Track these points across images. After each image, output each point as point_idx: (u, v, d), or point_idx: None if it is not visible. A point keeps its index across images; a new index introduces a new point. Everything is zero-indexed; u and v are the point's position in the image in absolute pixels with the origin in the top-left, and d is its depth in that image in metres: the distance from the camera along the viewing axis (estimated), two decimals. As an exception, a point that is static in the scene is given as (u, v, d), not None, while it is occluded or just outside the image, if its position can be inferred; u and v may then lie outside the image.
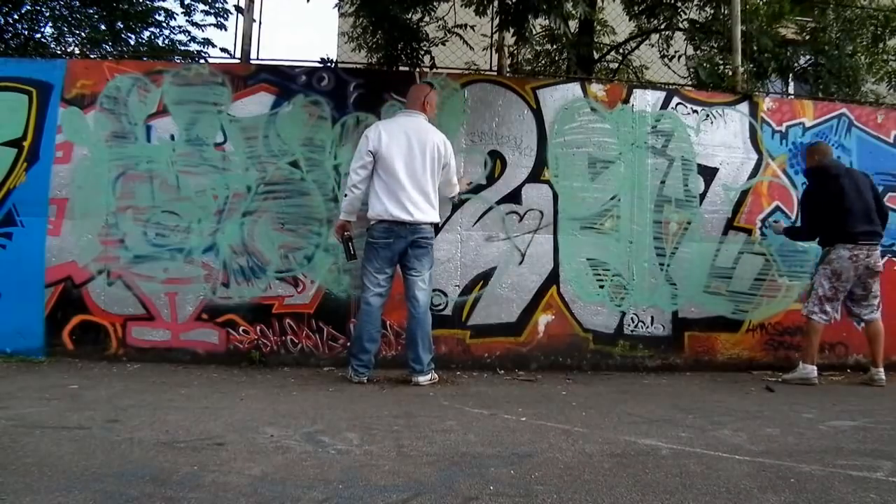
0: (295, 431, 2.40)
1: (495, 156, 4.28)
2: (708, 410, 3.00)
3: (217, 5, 8.56)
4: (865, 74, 5.76)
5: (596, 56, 6.16)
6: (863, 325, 4.08)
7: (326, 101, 4.18)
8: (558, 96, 4.37)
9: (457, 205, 4.20)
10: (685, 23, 5.69)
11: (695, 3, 5.61)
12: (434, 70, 4.63)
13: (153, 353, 4.00)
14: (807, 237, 4.20)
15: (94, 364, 3.85)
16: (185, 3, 8.42)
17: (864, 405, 3.24)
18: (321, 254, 4.12)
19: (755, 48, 5.13)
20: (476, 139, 4.28)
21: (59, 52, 7.38)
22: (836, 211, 3.93)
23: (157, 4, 8.49)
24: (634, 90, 4.49)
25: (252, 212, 4.12)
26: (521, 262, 4.26)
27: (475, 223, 4.24)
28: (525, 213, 4.28)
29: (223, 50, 8.88)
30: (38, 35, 7.86)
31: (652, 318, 4.33)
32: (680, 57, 5.65)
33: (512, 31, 4.22)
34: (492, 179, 4.26)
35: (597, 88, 4.45)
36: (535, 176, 4.30)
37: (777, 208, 4.49)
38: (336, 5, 5.33)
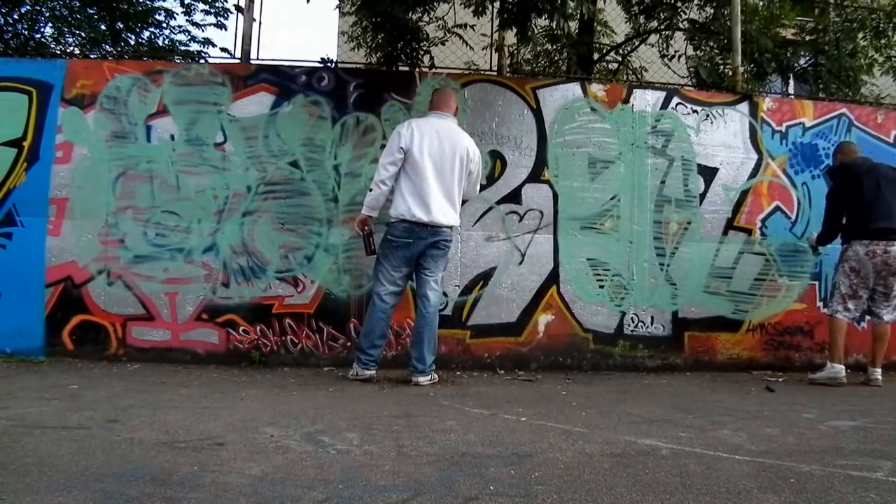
0: (295, 431, 2.40)
1: (495, 156, 4.29)
2: (708, 410, 3.00)
3: (217, 5, 8.56)
4: (867, 72, 5.75)
5: (596, 56, 6.15)
6: (864, 324, 4.06)
7: (326, 101, 4.19)
8: (558, 96, 4.37)
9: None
10: (685, 23, 5.69)
11: (695, 3, 5.61)
12: (434, 70, 4.63)
13: (153, 353, 4.01)
14: (828, 238, 4.17)
15: (94, 364, 3.85)
16: (185, 2, 8.42)
17: (864, 405, 3.24)
18: (321, 254, 4.12)
19: (755, 48, 5.12)
20: (476, 139, 4.23)
21: (59, 52, 7.38)
22: (853, 207, 3.93)
23: (157, 4, 8.50)
24: (634, 90, 4.49)
25: (252, 212, 4.12)
26: (521, 262, 4.26)
27: (475, 223, 4.24)
28: (525, 213, 4.28)
29: (223, 50, 8.88)
30: (38, 35, 7.86)
31: (652, 318, 4.33)
32: (680, 57, 5.65)
33: (514, 30, 4.22)
34: (492, 179, 4.26)
35: (597, 88, 4.45)
36: (535, 176, 4.30)
37: (777, 208, 4.50)
38: (336, 6, 5.32)
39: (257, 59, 4.35)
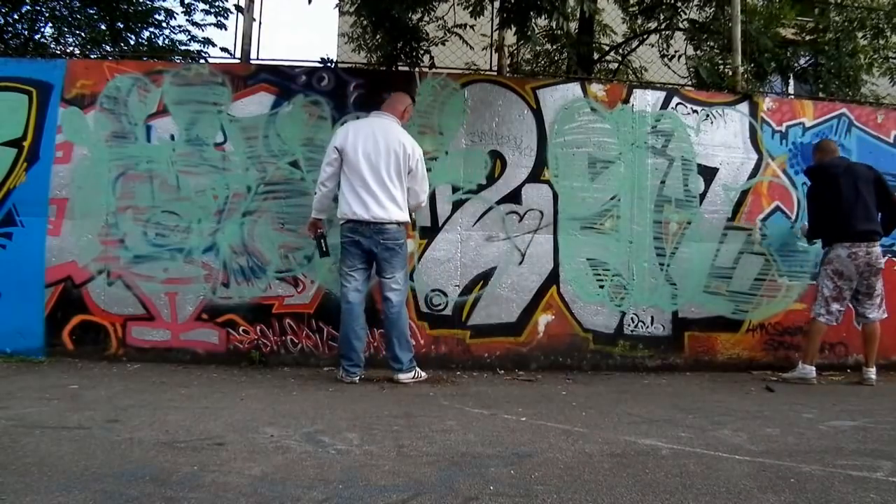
0: (295, 431, 2.40)
1: (495, 156, 4.28)
2: (708, 410, 3.00)
3: (217, 5, 8.57)
4: (867, 72, 5.75)
5: (596, 56, 6.15)
6: (862, 323, 4.08)
7: (326, 101, 4.19)
8: (558, 96, 4.37)
9: (457, 204, 4.20)
10: (685, 23, 5.69)
11: (695, 3, 5.61)
12: (434, 70, 4.63)
13: (153, 353, 4.00)
14: (815, 234, 4.21)
15: (94, 364, 3.85)
16: (186, 2, 8.42)
17: (864, 405, 3.24)
18: (321, 254, 4.11)
19: (755, 48, 5.12)
20: (476, 139, 4.28)
21: (59, 52, 7.38)
22: (833, 210, 3.94)
23: (157, 4, 8.50)
24: (634, 90, 4.49)
25: (252, 212, 4.12)
26: (521, 262, 4.26)
27: (475, 223, 4.24)
28: (525, 213, 4.28)
29: (223, 49, 8.88)
30: (38, 35, 7.86)
31: (652, 318, 4.33)
32: (680, 57, 5.65)
33: (513, 30, 4.22)
34: (492, 179, 4.26)
35: (597, 88, 4.45)
36: (535, 176, 4.30)
37: (777, 208, 4.49)
38: (336, 5, 5.33)
39: (257, 59, 4.35)
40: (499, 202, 4.26)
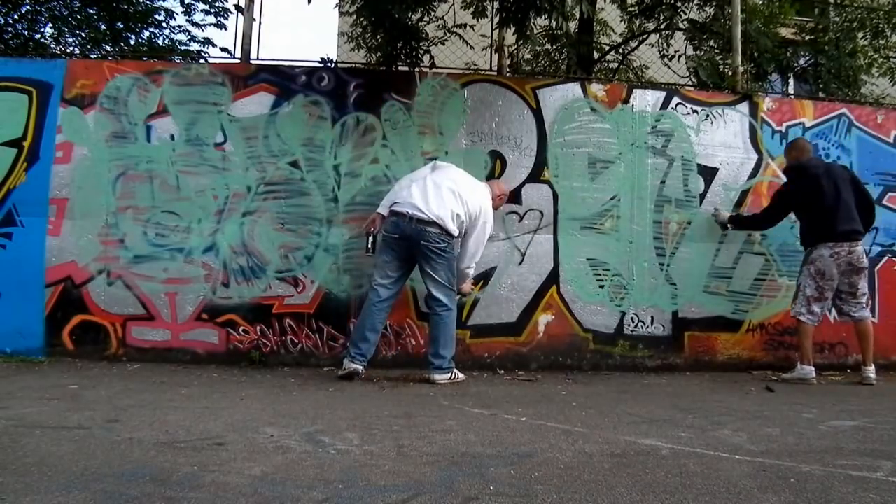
0: (295, 431, 2.40)
1: (495, 156, 4.28)
2: (708, 410, 3.00)
3: (217, 5, 8.58)
4: (867, 72, 5.76)
5: (596, 56, 6.15)
6: (854, 323, 4.07)
7: (326, 100, 4.19)
8: (558, 96, 4.37)
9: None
10: (685, 23, 5.69)
11: (695, 3, 5.61)
12: (434, 70, 4.63)
13: (153, 353, 4.01)
14: (759, 227, 4.26)
15: (94, 364, 3.85)
16: (185, 2, 8.43)
17: (864, 405, 3.24)
18: (321, 254, 4.12)
19: (755, 48, 5.12)
20: (476, 139, 4.28)
21: (59, 52, 7.39)
22: (814, 211, 3.94)
23: (157, 4, 8.51)
24: (634, 90, 4.49)
25: (252, 212, 4.12)
26: (521, 262, 4.26)
27: (475, 223, 4.23)
28: (525, 213, 4.28)
29: (223, 50, 8.90)
30: (38, 35, 7.87)
31: (652, 318, 4.33)
32: (680, 57, 5.65)
33: (512, 30, 4.22)
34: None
35: (597, 88, 4.45)
36: (535, 176, 4.30)
37: (777, 208, 4.48)
38: (336, 5, 5.33)
39: (257, 59, 4.35)
40: (499, 202, 4.26)
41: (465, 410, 2.88)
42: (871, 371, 3.91)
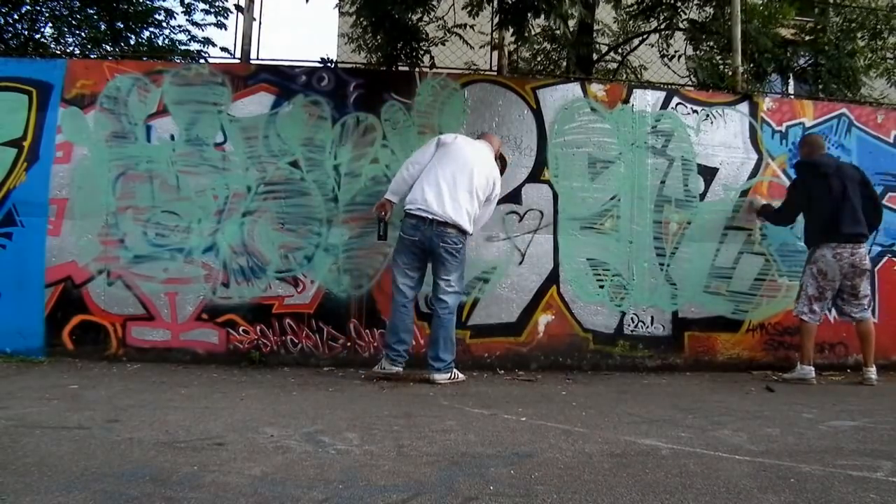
0: (295, 431, 2.40)
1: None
2: (708, 410, 3.00)
3: (217, 5, 8.58)
4: (865, 73, 5.76)
5: (596, 56, 6.15)
6: (855, 323, 4.08)
7: (326, 100, 4.19)
8: (558, 96, 4.37)
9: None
10: (685, 23, 5.69)
11: (694, 2, 5.61)
12: (434, 70, 4.63)
13: (153, 353, 4.01)
14: (782, 222, 4.26)
15: (94, 364, 3.85)
16: (186, 2, 8.43)
17: (864, 405, 3.24)
18: (321, 254, 4.12)
19: (755, 48, 5.12)
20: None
21: (59, 52, 7.38)
22: (819, 211, 3.94)
23: (157, 4, 8.51)
24: (634, 90, 4.49)
25: (252, 212, 4.12)
26: (521, 262, 4.26)
27: (475, 223, 4.24)
28: (525, 213, 4.28)
29: (223, 49, 8.90)
30: (38, 35, 7.87)
31: (652, 318, 4.33)
32: (680, 57, 5.65)
33: (511, 30, 4.22)
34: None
35: (597, 88, 4.45)
36: (535, 176, 4.30)
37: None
38: (336, 5, 5.33)
39: (257, 58, 4.36)
40: (499, 202, 4.24)
41: (465, 410, 2.88)
42: (872, 372, 3.91)
